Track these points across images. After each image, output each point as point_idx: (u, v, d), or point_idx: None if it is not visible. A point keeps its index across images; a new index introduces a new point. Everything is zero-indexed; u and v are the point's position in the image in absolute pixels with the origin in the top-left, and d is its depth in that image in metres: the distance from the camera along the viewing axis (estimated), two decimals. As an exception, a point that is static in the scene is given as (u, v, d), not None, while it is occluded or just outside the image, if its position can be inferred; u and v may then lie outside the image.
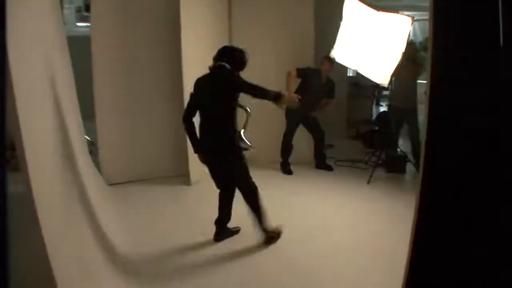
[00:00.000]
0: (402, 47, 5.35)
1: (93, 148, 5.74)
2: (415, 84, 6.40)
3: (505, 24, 1.57)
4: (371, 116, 10.21)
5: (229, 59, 3.77)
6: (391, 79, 5.76)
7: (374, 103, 10.92)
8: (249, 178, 3.97)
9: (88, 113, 5.32)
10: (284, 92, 3.88)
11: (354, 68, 5.97)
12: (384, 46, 5.49)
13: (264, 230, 4.03)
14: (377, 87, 8.66)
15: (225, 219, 4.22)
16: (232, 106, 3.76)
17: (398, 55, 5.40)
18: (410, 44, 6.29)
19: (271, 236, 4.07)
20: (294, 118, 6.22)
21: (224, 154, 3.86)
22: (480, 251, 1.70)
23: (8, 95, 1.79)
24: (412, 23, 5.29)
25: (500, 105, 1.61)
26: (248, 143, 3.84)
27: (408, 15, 5.35)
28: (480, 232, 1.71)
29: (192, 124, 3.92)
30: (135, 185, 5.63)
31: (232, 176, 4.00)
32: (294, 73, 6.02)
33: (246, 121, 3.95)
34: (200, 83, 3.89)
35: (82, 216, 3.31)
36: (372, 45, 5.60)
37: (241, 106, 3.90)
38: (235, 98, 3.76)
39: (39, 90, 2.63)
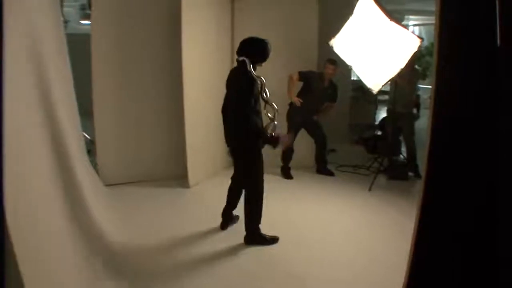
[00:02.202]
0: (402, 64, 5.30)
1: (92, 147, 5.67)
2: (413, 89, 6.36)
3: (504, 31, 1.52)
4: (374, 121, 10.16)
5: (250, 51, 3.83)
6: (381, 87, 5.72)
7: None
8: (256, 180, 4.01)
9: (86, 110, 5.24)
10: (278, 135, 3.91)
11: (349, 63, 5.89)
12: (384, 55, 5.42)
13: (248, 230, 4.07)
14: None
15: (229, 208, 4.36)
16: (249, 102, 3.73)
17: (395, 69, 5.36)
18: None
19: (251, 238, 4.06)
20: (295, 122, 6.15)
21: (239, 149, 3.96)
22: (481, 259, 1.67)
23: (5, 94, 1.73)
24: (420, 45, 5.24)
25: (501, 111, 1.57)
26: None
27: (418, 37, 5.28)
28: (480, 239, 1.67)
29: (226, 115, 4.08)
30: (133, 186, 5.55)
31: (241, 171, 4.10)
32: (296, 76, 5.96)
33: (273, 116, 3.92)
34: (229, 75, 4.02)
35: (74, 216, 3.25)
36: (374, 50, 5.52)
37: (267, 102, 3.88)
38: (252, 94, 3.71)
39: (24, 87, 2.57)
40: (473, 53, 1.61)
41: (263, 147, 3.94)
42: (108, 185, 5.22)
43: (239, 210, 4.31)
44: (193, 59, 5.34)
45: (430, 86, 7.47)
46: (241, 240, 4.13)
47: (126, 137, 5.59)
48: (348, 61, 5.79)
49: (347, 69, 8.34)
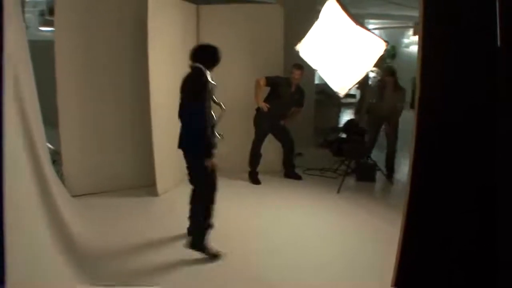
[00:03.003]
0: (368, 67, 5.43)
1: (57, 157, 5.52)
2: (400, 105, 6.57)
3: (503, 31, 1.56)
4: (338, 124, 10.30)
5: (202, 57, 3.94)
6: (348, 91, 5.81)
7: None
8: (204, 184, 4.02)
9: (50, 120, 5.09)
10: None
11: (315, 68, 5.95)
12: (351, 59, 5.49)
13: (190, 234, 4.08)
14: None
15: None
16: (199, 104, 3.79)
17: (362, 73, 5.47)
18: (391, 72, 6.43)
19: (192, 242, 4.00)
20: (263, 127, 6.16)
21: (187, 151, 3.97)
22: (468, 261, 1.71)
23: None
24: (385, 49, 5.33)
25: (500, 112, 1.62)
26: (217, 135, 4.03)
27: (384, 40, 5.37)
28: (467, 242, 1.73)
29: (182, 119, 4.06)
30: (100, 196, 5.42)
31: (190, 174, 4.09)
32: (263, 81, 5.98)
33: (220, 116, 4.10)
34: (183, 81, 4.02)
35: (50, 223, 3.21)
36: (340, 54, 5.59)
37: (216, 103, 4.08)
38: (202, 97, 3.80)
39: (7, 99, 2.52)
40: (472, 55, 1.64)
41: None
42: (75, 195, 5.09)
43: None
44: (159, 65, 5.28)
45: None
46: (219, 248, 4.08)
47: (92, 146, 5.46)
48: (314, 65, 5.85)
49: (311, 73, 8.44)
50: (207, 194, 4.06)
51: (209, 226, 4.11)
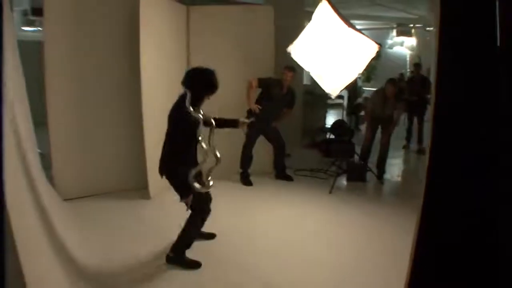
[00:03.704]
0: (360, 69, 5.43)
1: (44, 160, 5.39)
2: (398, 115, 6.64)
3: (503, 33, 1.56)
4: (325, 124, 10.33)
5: (194, 83, 3.53)
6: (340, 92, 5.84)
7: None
8: (195, 212, 3.75)
9: (35, 121, 4.98)
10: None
11: (307, 70, 5.92)
12: (343, 61, 5.50)
13: (173, 250, 3.83)
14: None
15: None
16: (177, 140, 3.53)
17: (354, 74, 5.48)
18: (394, 83, 6.45)
19: (172, 257, 3.83)
20: (254, 129, 6.13)
21: (170, 182, 3.67)
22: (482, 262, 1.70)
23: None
24: (378, 51, 5.33)
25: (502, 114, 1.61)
26: (199, 186, 3.53)
27: (376, 42, 5.37)
28: (481, 241, 1.71)
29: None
30: (92, 199, 5.32)
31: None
32: (255, 83, 5.95)
33: (203, 160, 3.58)
34: (171, 109, 3.64)
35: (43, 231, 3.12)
36: (332, 56, 5.58)
37: (202, 145, 3.58)
38: (186, 132, 3.50)
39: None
40: (474, 57, 1.63)
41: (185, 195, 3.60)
42: (66, 199, 5.00)
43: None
44: (151, 66, 5.21)
45: (374, 89, 7.65)
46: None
47: (83, 148, 5.36)
48: (306, 67, 5.84)
49: (299, 74, 8.44)
50: (200, 218, 3.83)
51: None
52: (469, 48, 1.67)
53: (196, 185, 3.49)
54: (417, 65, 9.55)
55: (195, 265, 3.81)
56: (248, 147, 6.22)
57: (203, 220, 3.87)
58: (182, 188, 3.52)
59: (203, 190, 3.62)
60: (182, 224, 3.81)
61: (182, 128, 3.48)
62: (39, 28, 8.75)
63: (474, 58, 1.66)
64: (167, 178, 3.67)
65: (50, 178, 4.89)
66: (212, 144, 3.71)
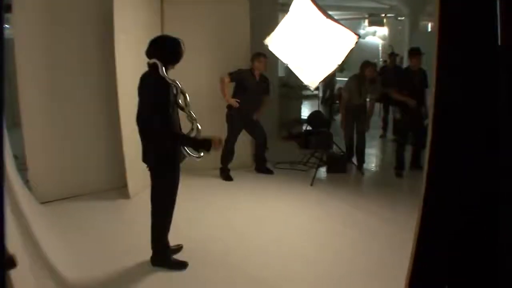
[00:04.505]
0: (339, 60, 5.36)
1: (16, 163, 5.22)
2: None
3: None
4: (300, 116, 10.32)
5: (161, 52, 3.41)
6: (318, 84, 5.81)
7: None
8: (162, 201, 3.61)
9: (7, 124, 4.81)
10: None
11: (285, 62, 5.88)
12: (321, 52, 5.47)
13: (153, 250, 3.72)
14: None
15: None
16: (166, 110, 3.30)
17: (333, 66, 5.42)
18: (370, 65, 6.44)
19: (156, 258, 3.71)
20: (236, 123, 6.05)
21: (149, 164, 3.56)
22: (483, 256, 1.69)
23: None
24: (357, 42, 5.28)
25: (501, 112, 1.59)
26: (192, 154, 3.48)
27: (355, 33, 5.34)
28: (482, 236, 1.70)
29: (141, 126, 3.58)
30: (70, 201, 5.17)
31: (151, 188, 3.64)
32: (227, 79, 5.86)
33: (191, 129, 3.56)
34: (140, 81, 3.54)
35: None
36: (310, 47, 5.56)
37: (183, 109, 3.54)
38: (167, 101, 3.30)
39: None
40: (474, 55, 1.61)
41: (183, 159, 3.56)
42: (43, 202, 4.85)
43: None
44: (126, 64, 5.06)
45: (346, 79, 7.72)
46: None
47: (59, 149, 5.19)
48: (283, 59, 5.79)
49: (275, 66, 8.41)
50: (169, 210, 3.67)
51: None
52: (469, 46, 1.64)
53: (191, 152, 3.43)
54: (392, 55, 9.59)
55: (180, 266, 3.72)
56: (231, 141, 6.13)
57: (171, 210, 3.68)
58: (205, 144, 3.37)
59: (198, 157, 3.49)
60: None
61: (162, 95, 3.30)
62: (6, 26, 8.47)
63: (474, 56, 1.64)
64: (149, 164, 3.54)
65: (25, 181, 4.74)
66: (191, 111, 3.60)
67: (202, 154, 3.49)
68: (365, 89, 6.52)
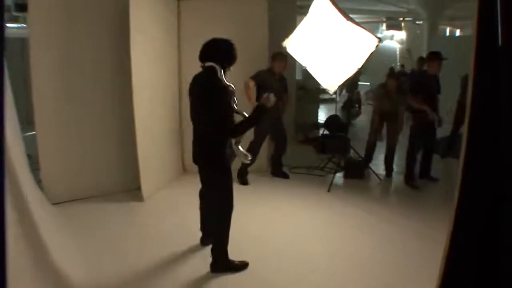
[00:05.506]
0: (359, 63, 5.22)
1: (31, 163, 5.16)
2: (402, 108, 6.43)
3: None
4: (317, 120, 10.19)
5: (217, 55, 3.39)
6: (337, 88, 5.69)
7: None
8: (220, 202, 3.57)
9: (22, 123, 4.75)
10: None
11: (303, 64, 5.75)
12: (341, 55, 5.33)
13: (214, 258, 3.64)
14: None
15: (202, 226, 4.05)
16: (229, 115, 3.34)
17: (353, 69, 5.28)
18: (396, 77, 6.30)
19: (217, 265, 3.64)
20: (263, 126, 5.82)
21: (202, 166, 3.56)
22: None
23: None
24: (377, 45, 5.14)
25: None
26: (244, 152, 3.51)
27: (376, 36, 5.20)
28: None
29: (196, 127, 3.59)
30: (83, 203, 5.10)
31: (205, 189, 3.72)
32: (252, 83, 5.73)
33: None
34: (192, 81, 3.53)
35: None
36: (330, 50, 5.43)
37: (239, 112, 3.44)
38: (229, 105, 3.31)
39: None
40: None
41: (233, 159, 3.55)
42: (55, 203, 4.77)
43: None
44: (141, 63, 5.00)
45: (364, 83, 7.58)
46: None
47: (72, 149, 5.13)
48: (302, 62, 5.66)
49: (292, 68, 8.29)
50: (229, 213, 3.61)
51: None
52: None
53: (242, 151, 3.49)
54: (421, 59, 9.32)
55: (242, 266, 3.70)
56: (257, 145, 5.98)
57: (230, 215, 3.64)
58: (223, 166, 3.41)
59: (247, 159, 3.56)
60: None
61: (225, 100, 3.28)
62: (23, 25, 8.49)
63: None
64: (202, 164, 3.55)
65: (38, 181, 4.67)
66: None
67: (250, 157, 3.54)
68: (393, 100, 6.33)
